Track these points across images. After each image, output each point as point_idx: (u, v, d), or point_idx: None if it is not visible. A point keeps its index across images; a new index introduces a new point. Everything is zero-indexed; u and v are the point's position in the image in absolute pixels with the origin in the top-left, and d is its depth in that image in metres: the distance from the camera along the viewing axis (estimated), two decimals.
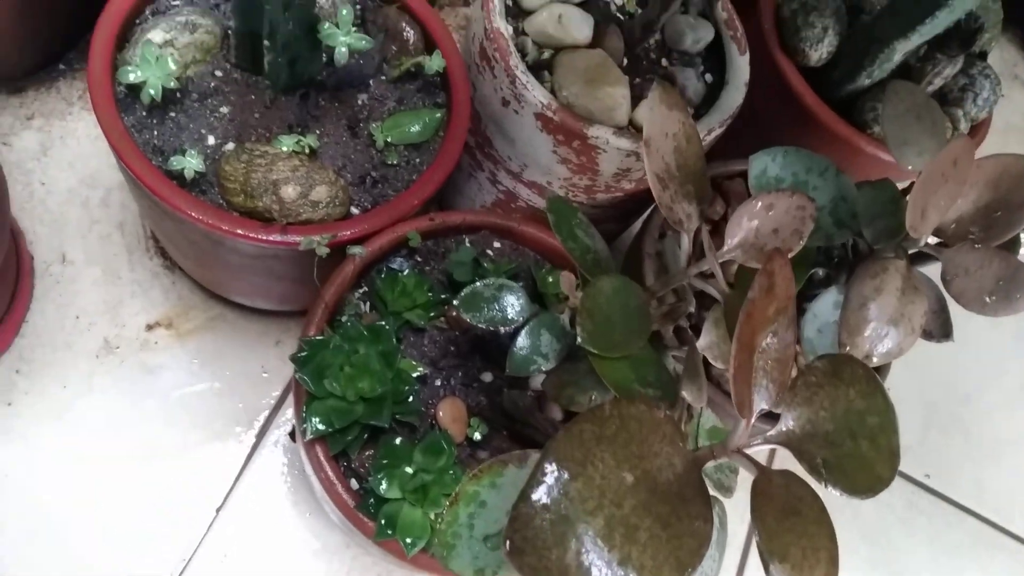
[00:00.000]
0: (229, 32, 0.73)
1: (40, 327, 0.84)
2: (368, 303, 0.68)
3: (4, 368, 0.81)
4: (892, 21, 0.81)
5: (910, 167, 0.61)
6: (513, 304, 0.58)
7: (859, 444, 0.39)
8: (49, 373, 0.82)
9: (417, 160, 0.74)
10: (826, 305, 0.57)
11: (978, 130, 0.93)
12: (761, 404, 0.39)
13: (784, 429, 0.40)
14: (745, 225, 0.49)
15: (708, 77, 0.82)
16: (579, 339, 0.46)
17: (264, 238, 0.65)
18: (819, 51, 0.86)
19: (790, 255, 0.49)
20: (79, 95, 0.95)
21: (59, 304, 0.85)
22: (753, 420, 0.38)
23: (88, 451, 0.80)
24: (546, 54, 0.76)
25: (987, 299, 0.51)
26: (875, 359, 0.52)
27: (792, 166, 0.56)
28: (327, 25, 0.67)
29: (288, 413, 0.87)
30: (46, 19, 0.89)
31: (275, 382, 0.88)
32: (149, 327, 0.87)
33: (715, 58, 0.84)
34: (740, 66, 0.80)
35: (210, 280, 0.84)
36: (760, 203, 0.49)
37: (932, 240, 0.57)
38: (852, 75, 0.86)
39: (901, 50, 0.82)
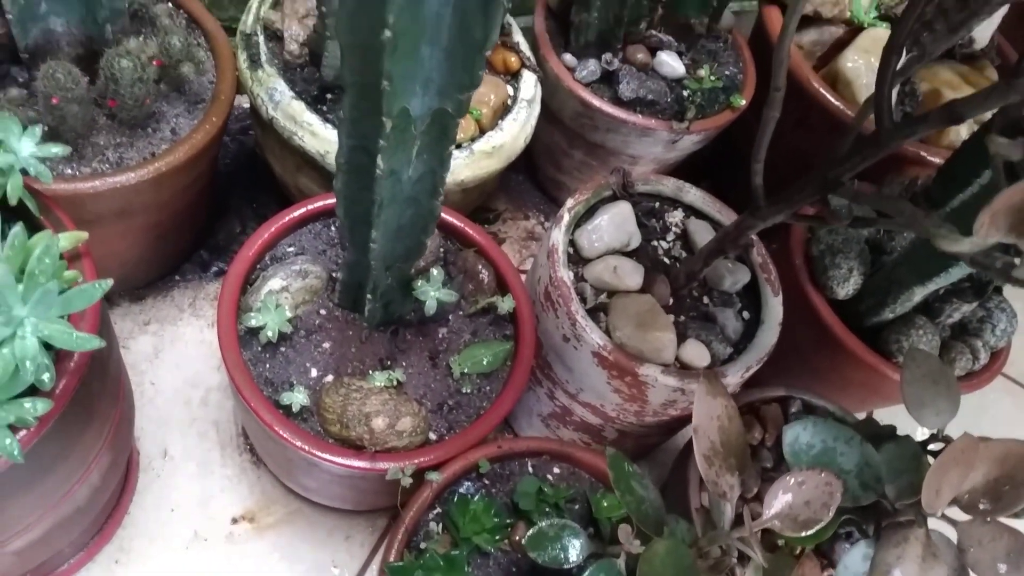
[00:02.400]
0: (333, 276, 0.85)
1: (139, 519, 0.93)
2: (441, 524, 0.77)
3: (105, 558, 0.90)
4: (910, 269, 0.91)
5: (927, 427, 0.69)
6: (574, 545, 0.66)
7: None
8: (145, 564, 0.91)
9: (487, 388, 0.84)
10: (856, 558, 0.64)
11: (997, 357, 1.01)
12: None
13: None
14: (781, 498, 0.57)
15: (745, 314, 0.92)
16: None
17: (356, 465, 0.74)
18: (846, 288, 0.96)
19: (819, 527, 0.57)
20: (189, 303, 1.09)
21: (158, 497, 0.95)
22: None
23: None
24: (602, 297, 0.87)
25: (1000, 568, 0.57)
26: None
27: (821, 434, 0.65)
28: (420, 283, 0.79)
29: None
30: (172, 243, 1.04)
31: None
32: (235, 520, 0.96)
33: (751, 295, 0.94)
34: (774, 307, 0.91)
35: (295, 484, 0.93)
36: (793, 479, 0.57)
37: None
38: (877, 310, 0.96)
39: (920, 293, 0.92)
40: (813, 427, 0.65)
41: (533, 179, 1.34)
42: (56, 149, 0.64)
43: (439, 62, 0.52)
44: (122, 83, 0.79)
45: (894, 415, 0.82)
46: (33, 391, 0.57)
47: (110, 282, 0.55)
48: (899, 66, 0.61)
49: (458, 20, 0.49)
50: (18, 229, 0.57)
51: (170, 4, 0.97)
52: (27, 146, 0.62)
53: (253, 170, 1.24)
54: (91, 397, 0.65)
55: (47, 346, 0.57)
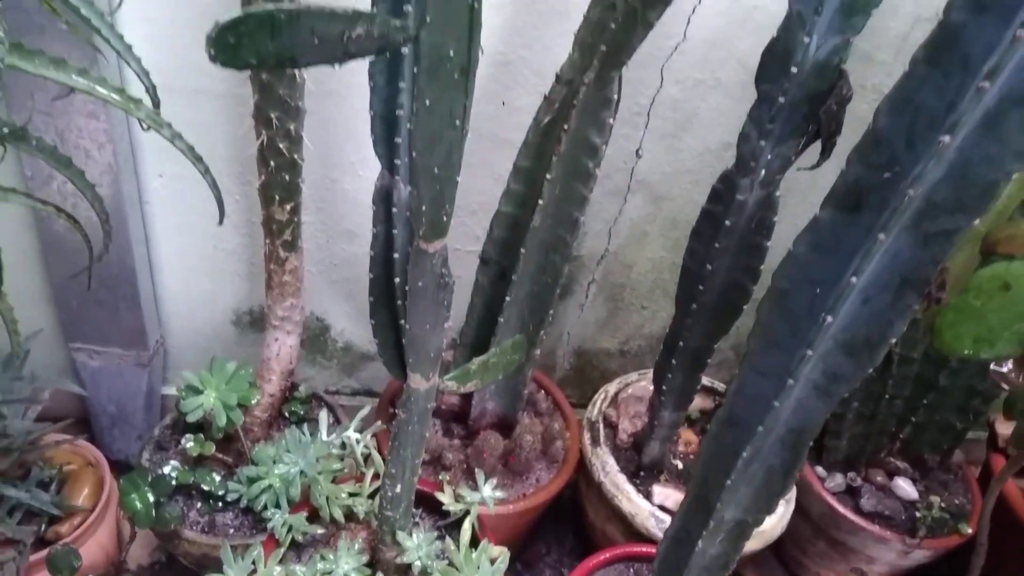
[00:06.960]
0: None
1: None
2: None
3: None
4: None
5: None
6: None
7: None
8: None
9: None
10: None
11: None
12: None
13: None
14: None
15: None
16: None
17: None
18: None
19: None
20: None
21: None
22: None
23: None
24: None
25: None
26: None
27: None
28: None
29: None
30: None
31: None
32: None
33: None
34: None
35: None
36: None
37: None
38: None
39: None
40: None
41: (779, 555, 1.60)
42: (500, 493, 1.08)
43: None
44: (524, 449, 1.25)
45: None
46: None
47: None
48: None
49: (764, 475, 0.86)
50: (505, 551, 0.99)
51: (543, 392, 1.48)
52: (487, 489, 1.07)
53: (557, 507, 1.65)
54: None
55: None
